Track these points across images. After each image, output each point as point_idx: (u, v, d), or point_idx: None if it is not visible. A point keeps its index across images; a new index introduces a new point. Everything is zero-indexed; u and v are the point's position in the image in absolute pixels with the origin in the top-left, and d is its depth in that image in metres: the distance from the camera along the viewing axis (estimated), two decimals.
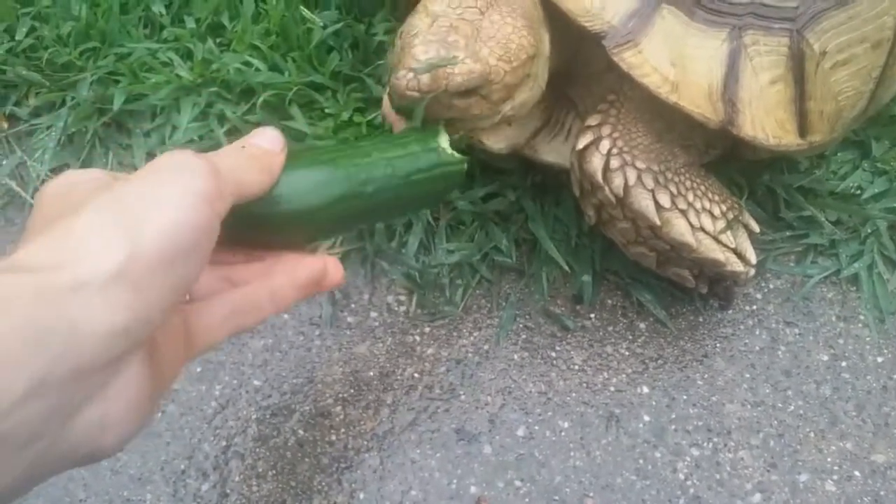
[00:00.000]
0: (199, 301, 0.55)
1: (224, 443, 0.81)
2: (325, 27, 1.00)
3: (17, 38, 1.02)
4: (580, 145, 0.78)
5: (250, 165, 0.53)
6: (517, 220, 0.92)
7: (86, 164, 0.97)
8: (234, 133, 0.97)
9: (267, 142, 0.55)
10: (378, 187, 0.62)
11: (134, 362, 0.44)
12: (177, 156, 0.46)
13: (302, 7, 1.01)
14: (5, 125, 1.00)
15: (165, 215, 0.43)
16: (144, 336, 0.43)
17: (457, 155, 0.67)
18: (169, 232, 0.43)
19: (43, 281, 0.40)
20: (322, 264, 0.59)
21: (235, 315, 0.55)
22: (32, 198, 0.95)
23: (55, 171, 0.97)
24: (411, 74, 0.67)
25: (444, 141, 0.67)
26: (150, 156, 0.98)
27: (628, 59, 0.73)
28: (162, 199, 0.44)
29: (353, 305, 0.90)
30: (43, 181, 0.96)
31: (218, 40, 1.02)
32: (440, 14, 0.71)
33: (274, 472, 0.79)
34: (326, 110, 0.96)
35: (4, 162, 0.98)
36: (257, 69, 0.98)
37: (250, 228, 0.56)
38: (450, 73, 0.67)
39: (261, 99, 0.96)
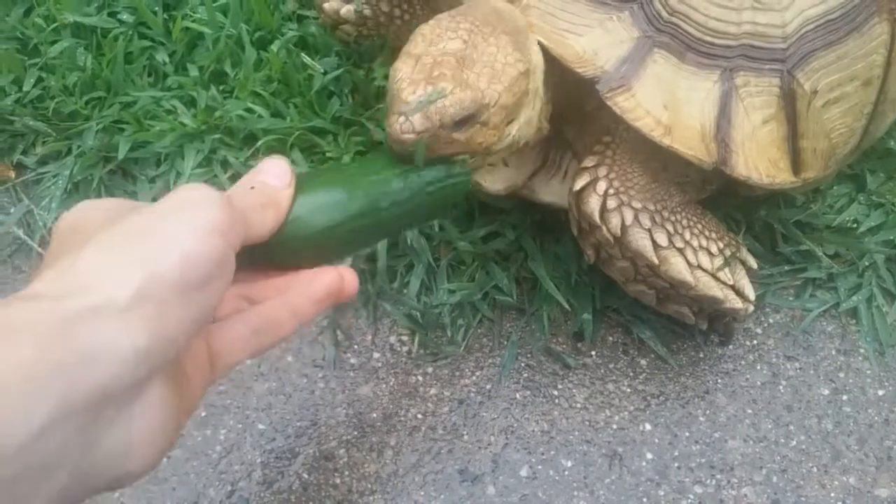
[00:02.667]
0: (219, 321, 0.56)
1: (229, 487, 0.81)
2: (325, 73, 1.02)
3: (24, 88, 1.04)
4: (577, 186, 0.79)
5: (260, 206, 0.54)
6: (517, 258, 0.93)
7: None
8: (237, 178, 0.97)
9: (274, 177, 0.57)
10: (392, 202, 0.64)
11: (156, 385, 0.45)
12: (193, 189, 0.48)
13: (303, 54, 1.03)
14: (13, 174, 1.02)
15: (180, 246, 0.44)
16: (167, 359, 0.44)
17: (464, 165, 0.68)
18: (184, 262, 0.44)
19: (60, 307, 0.40)
20: (337, 275, 0.60)
21: (257, 334, 0.56)
22: (39, 246, 0.97)
23: None
24: (403, 118, 0.65)
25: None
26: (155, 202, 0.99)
27: (622, 104, 0.74)
28: (177, 230, 0.45)
29: (355, 347, 0.91)
30: (50, 229, 0.97)
31: (221, 88, 1.04)
32: (422, 54, 0.70)
33: None
34: (328, 154, 0.98)
35: (12, 210, 1.00)
36: (259, 115, 1.00)
37: (268, 253, 0.57)
38: (441, 106, 0.66)
39: (263, 144, 0.97)
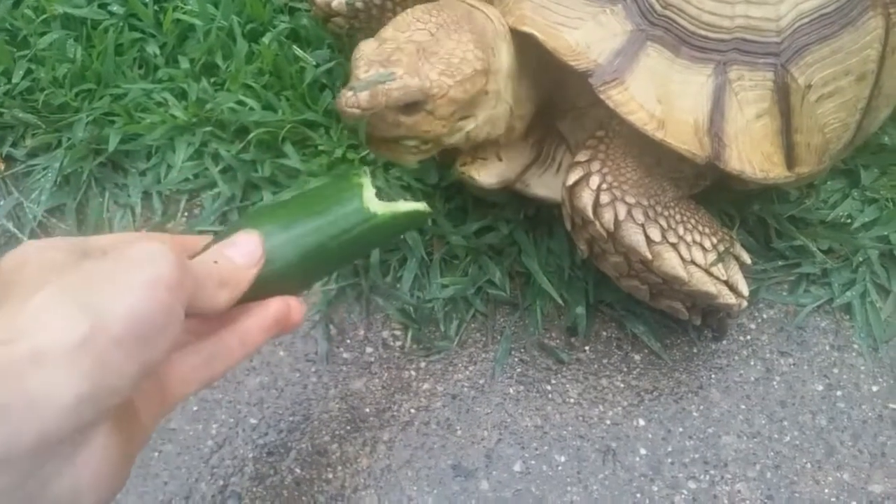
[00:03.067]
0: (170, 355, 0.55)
1: (221, 482, 0.81)
2: (317, 66, 1.01)
3: (13, 80, 1.03)
4: (570, 181, 0.78)
5: (217, 283, 0.54)
6: (510, 253, 0.93)
7: (82, 205, 0.98)
8: (229, 171, 0.98)
9: (242, 256, 0.57)
10: (339, 241, 0.64)
11: (102, 430, 0.44)
12: (147, 245, 0.48)
13: (295, 46, 1.03)
14: (2, 167, 1.01)
15: (128, 300, 0.44)
16: (112, 405, 0.44)
17: (379, 210, 0.66)
18: (129, 317, 0.44)
19: (6, 352, 0.40)
20: (284, 304, 0.60)
21: (207, 364, 0.56)
22: (29, 239, 0.96)
23: (51, 211, 0.98)
24: (351, 93, 0.69)
25: (367, 192, 0.67)
26: (146, 195, 0.99)
27: (615, 97, 0.74)
28: (126, 283, 0.45)
29: (348, 341, 0.90)
30: (39, 222, 0.97)
31: (212, 80, 1.03)
32: (388, 38, 0.74)
33: None
34: (320, 147, 0.97)
35: (1, 203, 0.99)
36: (251, 108, 0.99)
37: None
38: (388, 88, 0.69)
39: (254, 137, 0.97)
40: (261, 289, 0.59)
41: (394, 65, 0.70)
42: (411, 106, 0.71)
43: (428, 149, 0.77)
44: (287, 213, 0.64)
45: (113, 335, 0.43)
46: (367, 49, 0.73)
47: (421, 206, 0.70)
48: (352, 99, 0.69)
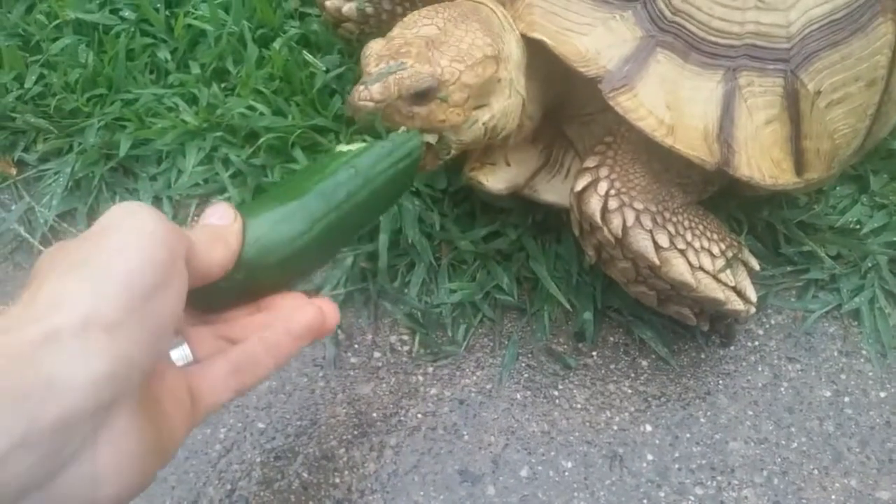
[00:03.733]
0: (200, 362, 0.56)
1: (229, 486, 0.81)
2: (327, 71, 1.01)
3: (26, 85, 1.04)
4: (578, 187, 0.78)
5: (207, 241, 0.54)
6: (518, 258, 0.93)
7: (93, 209, 0.99)
8: (239, 176, 0.98)
9: (217, 218, 0.57)
10: (347, 193, 0.63)
11: (124, 413, 0.44)
12: (124, 205, 0.48)
13: (305, 52, 1.03)
14: (13, 171, 1.02)
15: (122, 260, 0.45)
16: (132, 381, 0.44)
17: (410, 133, 0.68)
18: (128, 274, 0.44)
19: (14, 339, 0.41)
20: (318, 310, 0.59)
21: (237, 373, 0.56)
22: (40, 243, 0.97)
23: (62, 216, 0.99)
24: (362, 87, 0.69)
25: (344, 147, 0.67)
26: (157, 199, 0.99)
27: (624, 104, 0.74)
28: (118, 245, 0.46)
29: (356, 346, 0.90)
30: (51, 226, 0.97)
31: (222, 85, 1.04)
32: (396, 36, 0.74)
33: None
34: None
35: (13, 207, 1.00)
36: (261, 113, 0.99)
37: (244, 286, 0.58)
38: (399, 77, 0.69)
39: (264, 142, 0.97)
40: (277, 268, 0.58)
41: (404, 56, 0.70)
42: (424, 94, 0.70)
43: (445, 148, 0.75)
44: (279, 192, 0.63)
45: (116, 302, 0.43)
46: (375, 46, 0.73)
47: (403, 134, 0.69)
48: (364, 92, 0.68)
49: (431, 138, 0.73)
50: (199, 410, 0.54)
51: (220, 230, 0.56)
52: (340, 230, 0.64)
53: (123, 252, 0.45)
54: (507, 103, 0.78)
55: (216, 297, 0.57)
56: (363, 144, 0.67)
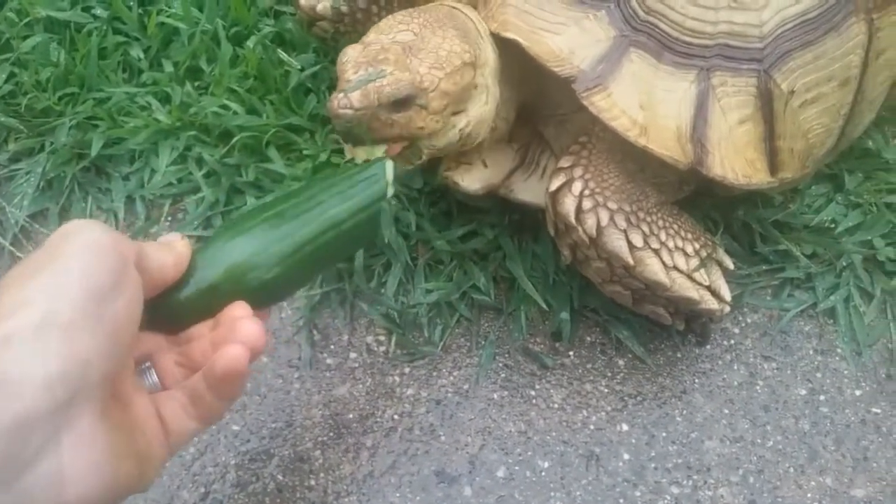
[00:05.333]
0: (165, 391, 0.58)
1: (203, 489, 0.81)
2: (302, 70, 1.01)
3: None
4: (553, 187, 0.78)
5: (157, 247, 0.57)
6: (495, 258, 0.92)
7: (65, 209, 0.98)
8: (213, 175, 0.97)
9: (165, 239, 0.59)
10: (322, 227, 0.64)
11: (86, 416, 0.45)
12: (73, 222, 0.52)
13: (279, 50, 1.02)
14: None
15: (77, 263, 0.47)
16: (89, 381, 0.45)
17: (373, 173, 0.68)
18: (83, 276, 0.47)
19: None
20: (238, 348, 0.56)
21: (193, 405, 0.57)
22: (11, 244, 0.95)
23: (34, 216, 0.97)
24: (342, 95, 0.68)
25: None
26: (130, 199, 0.98)
27: (597, 103, 0.74)
28: (70, 252, 0.48)
29: (332, 347, 0.90)
30: (22, 227, 0.96)
31: (196, 84, 1.03)
32: (372, 41, 0.74)
33: None
34: (304, 152, 0.97)
35: None
36: (235, 112, 0.98)
37: (211, 302, 0.59)
38: (379, 85, 0.68)
39: (238, 141, 0.96)
40: (254, 290, 0.60)
41: (382, 63, 0.70)
42: (403, 102, 0.70)
43: (417, 153, 0.75)
44: (257, 217, 0.64)
45: (71, 303, 0.45)
46: (352, 53, 0.72)
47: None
48: (343, 100, 0.68)
49: (399, 170, 0.72)
50: (171, 438, 0.55)
51: (166, 239, 0.58)
52: (311, 263, 0.65)
53: (76, 257, 0.47)
54: (484, 109, 0.78)
55: (181, 315, 0.59)
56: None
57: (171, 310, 0.58)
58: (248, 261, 0.60)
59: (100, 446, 0.46)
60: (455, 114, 0.75)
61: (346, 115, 0.68)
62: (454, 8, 0.78)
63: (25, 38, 1.05)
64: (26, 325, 0.44)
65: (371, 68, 0.69)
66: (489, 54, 0.77)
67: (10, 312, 0.44)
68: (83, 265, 0.47)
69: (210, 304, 0.59)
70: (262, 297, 0.61)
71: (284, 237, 0.62)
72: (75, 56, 1.04)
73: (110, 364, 0.47)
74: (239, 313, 0.58)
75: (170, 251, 0.57)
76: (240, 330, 0.56)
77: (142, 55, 1.05)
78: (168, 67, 1.04)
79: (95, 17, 1.07)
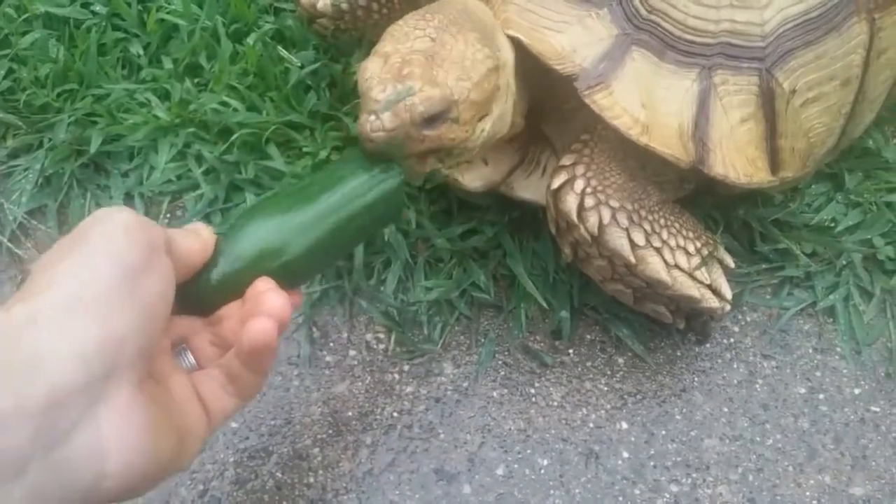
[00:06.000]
0: (202, 370, 0.59)
1: (201, 486, 0.80)
2: (302, 67, 1.00)
3: None
4: (554, 185, 0.78)
5: (182, 232, 0.58)
6: (495, 256, 0.92)
7: (63, 206, 0.97)
8: (212, 172, 0.97)
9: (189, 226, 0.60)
10: (349, 210, 0.65)
11: (124, 389, 0.47)
12: (104, 208, 0.53)
13: (279, 47, 1.02)
14: None
15: (108, 244, 0.49)
16: (124, 356, 0.47)
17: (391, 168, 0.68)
18: (114, 255, 0.48)
19: (7, 319, 0.44)
20: (266, 321, 0.57)
21: (231, 383, 0.58)
22: (9, 241, 0.95)
23: (32, 213, 0.97)
24: (373, 117, 0.66)
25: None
26: (128, 196, 0.98)
27: (599, 101, 0.74)
28: (101, 234, 0.50)
29: (331, 344, 0.90)
30: (20, 223, 0.96)
31: (195, 81, 1.02)
32: (391, 53, 0.71)
33: None
34: (304, 149, 0.97)
35: None
36: (235, 109, 0.98)
37: (237, 282, 0.60)
38: (410, 104, 0.66)
39: (238, 139, 0.96)
40: (278, 270, 0.61)
41: (408, 78, 0.67)
42: (435, 117, 0.68)
43: (451, 160, 0.74)
44: (285, 199, 0.65)
45: (102, 282, 0.47)
46: (374, 68, 0.70)
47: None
48: (375, 122, 0.66)
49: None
50: (211, 417, 0.57)
51: (191, 226, 0.59)
52: (335, 239, 0.65)
53: (106, 239, 0.49)
54: (505, 108, 0.77)
55: (211, 297, 0.60)
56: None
57: (200, 293, 0.59)
58: (273, 238, 0.61)
59: (138, 420, 0.47)
60: (481, 118, 0.74)
61: (379, 137, 0.66)
62: (465, 5, 0.76)
63: (24, 34, 1.05)
64: (53, 304, 0.45)
65: (399, 85, 0.67)
66: (507, 52, 0.76)
67: (37, 292, 0.45)
68: (113, 246, 0.48)
69: (238, 284, 0.59)
70: (289, 275, 0.62)
71: (307, 212, 0.63)
72: (74, 52, 1.04)
73: (145, 341, 0.48)
74: (262, 287, 0.58)
75: (196, 236, 0.58)
76: (264, 303, 0.57)
77: (141, 52, 1.05)
78: (167, 64, 1.03)
79: (94, 13, 1.07)
